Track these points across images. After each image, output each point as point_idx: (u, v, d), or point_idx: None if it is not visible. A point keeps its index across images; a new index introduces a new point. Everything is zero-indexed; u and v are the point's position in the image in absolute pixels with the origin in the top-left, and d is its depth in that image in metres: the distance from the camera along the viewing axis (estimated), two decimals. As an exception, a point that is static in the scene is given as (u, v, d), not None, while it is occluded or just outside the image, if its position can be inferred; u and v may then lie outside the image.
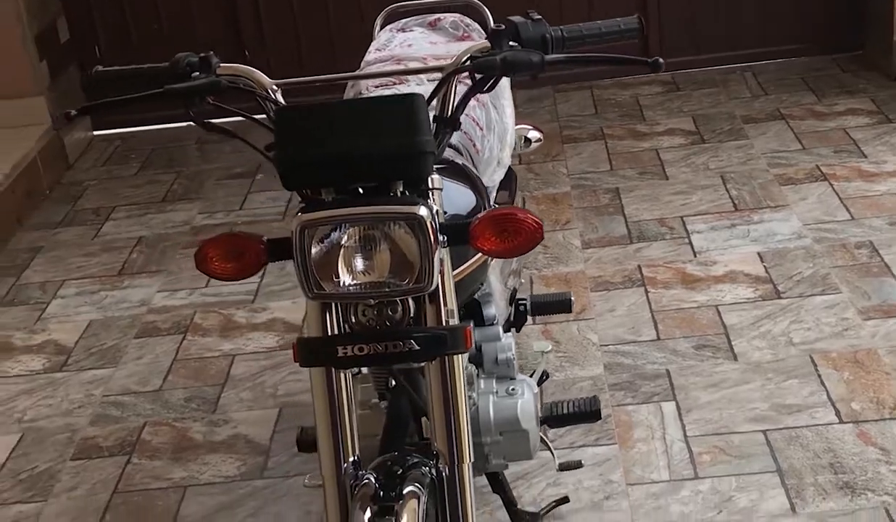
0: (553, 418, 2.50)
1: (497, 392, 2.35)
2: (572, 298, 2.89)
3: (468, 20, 2.95)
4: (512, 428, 2.32)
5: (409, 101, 1.76)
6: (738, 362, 3.28)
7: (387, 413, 2.16)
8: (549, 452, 2.59)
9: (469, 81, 1.95)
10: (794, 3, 5.52)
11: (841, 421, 2.98)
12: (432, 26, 2.95)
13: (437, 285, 1.80)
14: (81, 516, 2.97)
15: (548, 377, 2.84)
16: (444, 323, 1.85)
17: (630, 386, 3.23)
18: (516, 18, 1.90)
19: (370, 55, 2.79)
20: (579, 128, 5.14)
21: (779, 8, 5.52)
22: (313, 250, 1.77)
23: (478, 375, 2.36)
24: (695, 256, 3.89)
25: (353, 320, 1.87)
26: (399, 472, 1.85)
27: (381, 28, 3.02)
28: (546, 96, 5.46)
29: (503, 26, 1.89)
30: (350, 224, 1.76)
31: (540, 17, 1.91)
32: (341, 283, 1.78)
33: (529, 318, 3.01)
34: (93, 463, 3.18)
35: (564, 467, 2.61)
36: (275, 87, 1.96)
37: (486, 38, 1.92)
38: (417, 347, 1.81)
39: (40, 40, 5.29)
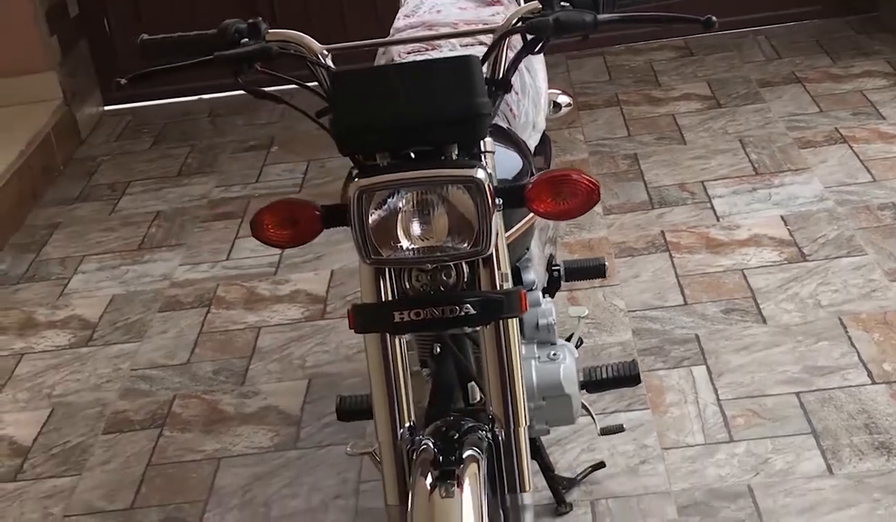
0: (592, 383, 2.50)
1: (539, 357, 2.35)
2: (606, 264, 2.88)
3: (495, -15, 2.93)
4: (555, 393, 2.32)
5: (466, 63, 1.75)
6: (768, 325, 3.28)
7: (433, 379, 2.16)
8: (588, 417, 2.59)
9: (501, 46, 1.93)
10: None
11: (874, 382, 2.99)
12: (460, -9, 2.93)
13: (493, 249, 1.80)
14: (117, 489, 2.97)
15: (582, 342, 2.84)
16: (498, 288, 1.85)
17: (660, 351, 3.23)
18: None
19: (399, 22, 2.77)
20: (594, 94, 5.12)
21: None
22: (371, 216, 1.76)
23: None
24: (718, 221, 3.89)
25: (407, 286, 1.87)
26: (456, 437, 1.84)
27: (408, -6, 3.00)
28: (559, 64, 5.43)
29: (559, -20, 1.88)
30: (408, 188, 1.75)
31: None
32: (400, 248, 1.78)
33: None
34: (125, 437, 3.18)
35: (606, 431, 2.62)
36: (325, 53, 1.94)
37: (536, -1, 1.91)
38: (474, 311, 1.80)
39: (50, 15, 5.26)
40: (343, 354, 3.44)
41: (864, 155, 4.19)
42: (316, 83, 1.93)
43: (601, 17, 1.84)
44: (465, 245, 1.77)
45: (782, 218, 3.84)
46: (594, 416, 2.56)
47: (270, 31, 1.95)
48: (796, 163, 4.20)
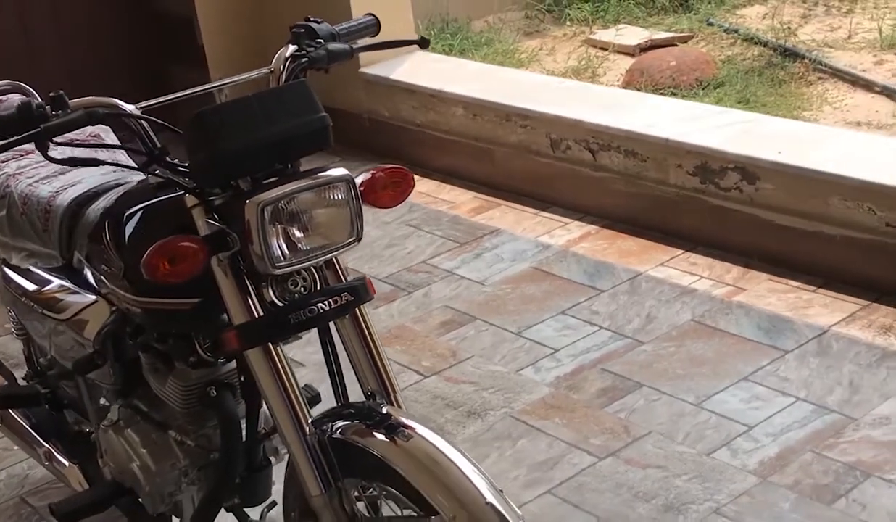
0: None
1: None
2: None
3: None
4: None
5: (304, 87, 2.00)
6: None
7: (221, 416, 2.22)
8: None
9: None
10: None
11: (425, 377, 3.53)
12: (-5, 107, 2.94)
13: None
14: None
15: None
16: (344, 280, 2.09)
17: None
18: (309, 23, 2.20)
19: None
20: None
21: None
22: (268, 227, 1.92)
23: None
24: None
25: (269, 299, 2.02)
26: (353, 412, 2.02)
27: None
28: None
29: (303, 29, 2.19)
30: (301, 195, 1.94)
31: (322, 19, 2.22)
32: (299, 250, 1.95)
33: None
34: None
35: None
36: (137, 110, 2.01)
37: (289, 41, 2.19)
38: (351, 298, 2.03)
39: None
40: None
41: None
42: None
43: (355, 47, 2.20)
44: (347, 238, 2.01)
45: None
46: None
47: (72, 101, 1.96)
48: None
